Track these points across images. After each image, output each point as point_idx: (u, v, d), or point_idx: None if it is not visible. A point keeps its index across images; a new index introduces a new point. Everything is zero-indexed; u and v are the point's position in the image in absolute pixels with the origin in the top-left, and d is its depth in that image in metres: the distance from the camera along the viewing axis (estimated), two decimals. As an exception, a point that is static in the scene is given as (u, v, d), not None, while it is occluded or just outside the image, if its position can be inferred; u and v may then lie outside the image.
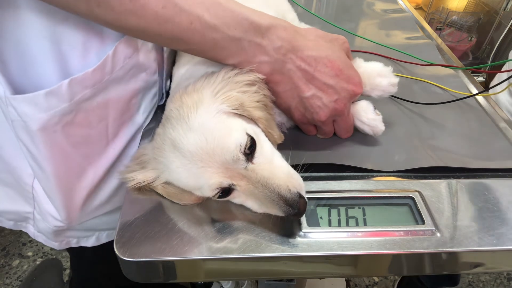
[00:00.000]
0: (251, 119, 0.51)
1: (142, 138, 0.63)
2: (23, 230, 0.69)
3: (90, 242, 0.70)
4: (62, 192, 0.57)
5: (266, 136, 0.52)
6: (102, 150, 0.58)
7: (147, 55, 0.58)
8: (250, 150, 0.47)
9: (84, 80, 0.50)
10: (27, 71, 0.49)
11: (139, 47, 0.56)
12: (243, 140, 0.47)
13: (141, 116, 0.63)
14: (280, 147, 0.54)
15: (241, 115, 0.50)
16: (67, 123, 0.51)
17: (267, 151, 0.50)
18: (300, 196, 0.47)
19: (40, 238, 0.68)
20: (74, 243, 0.69)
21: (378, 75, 0.61)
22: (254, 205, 0.49)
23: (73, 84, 0.49)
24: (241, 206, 0.50)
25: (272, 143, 0.53)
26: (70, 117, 0.51)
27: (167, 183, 0.51)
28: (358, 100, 0.61)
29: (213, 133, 0.46)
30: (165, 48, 0.63)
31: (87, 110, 0.52)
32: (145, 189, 0.52)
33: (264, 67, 0.53)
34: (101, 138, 0.57)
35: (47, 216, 0.61)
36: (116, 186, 0.63)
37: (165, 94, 0.68)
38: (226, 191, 0.48)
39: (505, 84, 0.66)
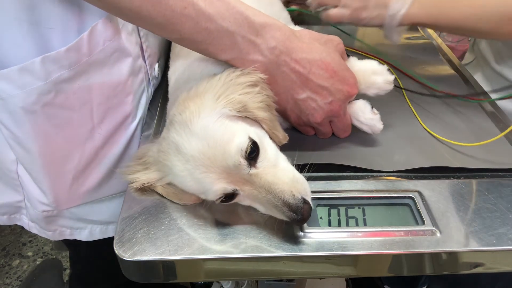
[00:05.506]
0: (255, 121, 0.51)
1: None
2: (18, 223, 0.69)
3: (83, 235, 0.69)
4: (48, 173, 0.57)
5: (271, 137, 0.52)
6: (88, 134, 0.58)
7: (128, 38, 0.58)
8: (253, 154, 0.47)
9: (59, 59, 0.50)
10: (7, 54, 0.49)
11: (120, 30, 0.56)
12: (245, 145, 0.46)
13: (130, 103, 0.62)
14: (282, 148, 0.54)
15: (244, 118, 0.50)
16: (46, 103, 0.51)
17: (271, 154, 0.49)
18: (305, 202, 0.46)
19: (34, 229, 0.68)
20: (68, 234, 0.68)
21: (373, 73, 0.60)
22: (260, 208, 0.49)
23: (46, 62, 0.49)
24: (241, 206, 0.50)
25: (277, 143, 0.52)
26: (48, 97, 0.51)
27: (169, 184, 0.51)
28: (356, 99, 0.60)
29: (215, 138, 0.46)
30: (141, 33, 0.62)
31: (67, 92, 0.52)
32: (146, 189, 0.52)
33: (258, 66, 0.52)
34: (86, 122, 0.57)
35: (35, 202, 0.62)
36: (107, 173, 0.63)
37: (152, 79, 0.68)
38: (230, 196, 0.48)
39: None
